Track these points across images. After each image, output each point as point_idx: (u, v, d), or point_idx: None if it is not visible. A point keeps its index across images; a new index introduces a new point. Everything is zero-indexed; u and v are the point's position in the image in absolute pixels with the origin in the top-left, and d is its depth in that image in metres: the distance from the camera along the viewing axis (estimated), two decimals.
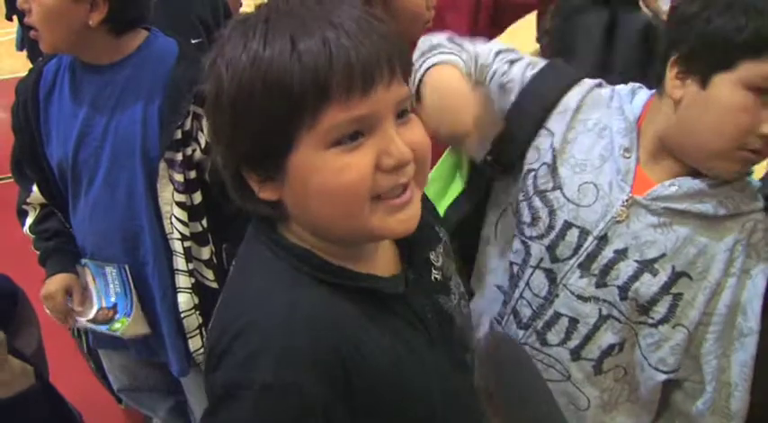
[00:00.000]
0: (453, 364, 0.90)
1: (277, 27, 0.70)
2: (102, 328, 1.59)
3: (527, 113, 1.12)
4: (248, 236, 0.85)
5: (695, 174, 1.03)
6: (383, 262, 0.84)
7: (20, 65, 4.36)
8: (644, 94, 1.10)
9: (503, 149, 1.13)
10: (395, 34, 0.73)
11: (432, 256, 0.90)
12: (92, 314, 1.60)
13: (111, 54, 1.42)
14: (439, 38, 1.14)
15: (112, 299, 1.57)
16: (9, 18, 3.77)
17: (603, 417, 1.16)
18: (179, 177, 1.42)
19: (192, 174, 1.44)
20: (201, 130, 1.41)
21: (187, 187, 1.44)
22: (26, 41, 3.65)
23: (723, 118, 0.95)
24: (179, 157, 1.41)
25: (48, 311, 1.61)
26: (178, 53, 1.46)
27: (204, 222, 1.49)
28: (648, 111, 1.07)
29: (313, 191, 0.72)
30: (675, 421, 1.14)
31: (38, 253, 1.62)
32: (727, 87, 0.94)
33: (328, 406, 0.73)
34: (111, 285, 1.55)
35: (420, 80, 1.07)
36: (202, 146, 1.42)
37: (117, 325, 1.56)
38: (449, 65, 1.07)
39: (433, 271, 0.90)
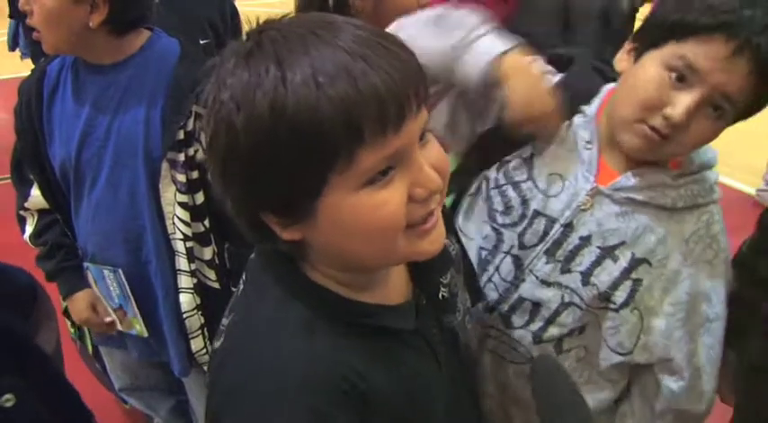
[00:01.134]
0: (458, 382, 0.90)
1: (290, 60, 0.63)
2: (132, 333, 1.62)
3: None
4: (257, 266, 0.83)
5: (653, 162, 1.06)
6: (395, 287, 0.84)
7: (21, 65, 4.36)
8: (604, 90, 1.14)
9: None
10: (410, 54, 0.69)
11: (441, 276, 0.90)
12: (117, 322, 1.62)
13: (114, 54, 1.42)
14: (461, 14, 1.12)
15: (116, 300, 1.58)
16: (13, 17, 3.78)
17: None
18: (181, 178, 1.42)
19: (195, 174, 1.44)
20: (204, 131, 1.41)
21: (189, 187, 1.44)
22: (29, 42, 3.66)
23: (635, 86, 1.00)
24: (181, 157, 1.41)
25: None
26: (180, 53, 1.46)
27: (206, 222, 1.49)
28: (608, 98, 1.12)
29: (347, 230, 0.71)
30: (653, 403, 1.17)
31: (44, 272, 1.63)
32: (649, 62, 0.99)
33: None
34: (111, 288, 1.56)
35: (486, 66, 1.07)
36: (205, 146, 1.42)
37: (137, 326, 1.59)
38: (518, 52, 1.08)
39: (441, 289, 0.89)
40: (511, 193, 1.14)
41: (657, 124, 0.97)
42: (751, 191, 4.00)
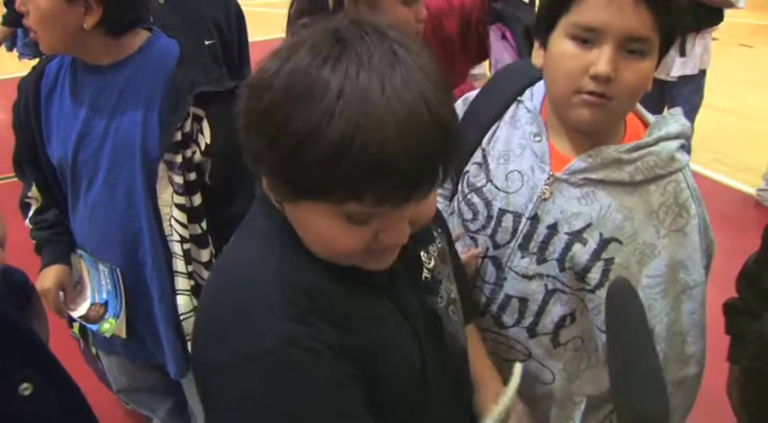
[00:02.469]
0: (438, 365, 0.91)
1: (350, 86, 0.65)
2: (92, 328, 1.60)
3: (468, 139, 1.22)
4: (255, 208, 0.87)
5: (606, 140, 1.09)
6: None
7: (21, 65, 4.36)
8: (542, 83, 1.17)
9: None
10: (455, 126, 0.71)
11: (423, 257, 0.93)
12: (84, 309, 1.61)
13: (111, 55, 1.42)
14: None
15: (104, 296, 1.57)
16: (7, 24, 3.79)
17: (570, 387, 1.22)
18: (178, 179, 1.42)
19: (192, 176, 1.44)
20: (201, 132, 1.41)
21: (187, 189, 1.43)
22: (29, 41, 3.67)
23: (555, 67, 1.04)
24: (179, 158, 1.41)
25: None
26: (179, 54, 1.45)
27: (204, 224, 1.48)
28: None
29: (310, 235, 0.77)
30: None
31: (34, 242, 1.64)
32: (555, 42, 1.03)
33: (330, 354, 0.75)
34: (104, 283, 1.56)
35: None
36: (202, 148, 1.42)
37: (106, 325, 1.58)
38: None
39: (424, 270, 0.92)
40: (475, 199, 1.19)
41: (592, 87, 1.00)
42: (751, 191, 4.00)
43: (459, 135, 0.72)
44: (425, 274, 0.92)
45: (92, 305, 1.59)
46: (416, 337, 0.87)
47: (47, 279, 1.59)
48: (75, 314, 1.62)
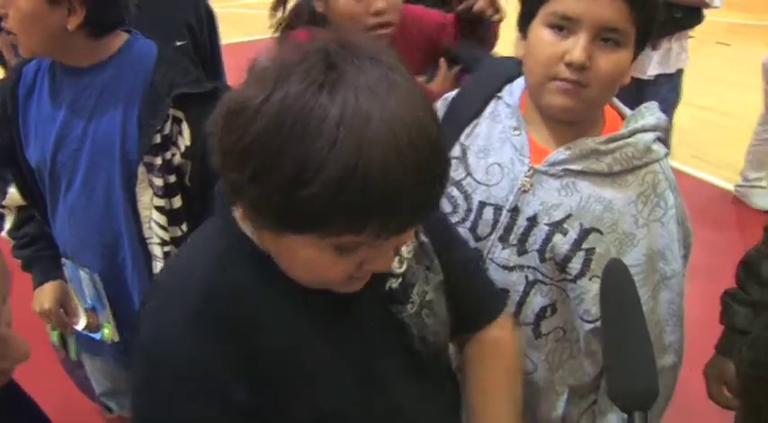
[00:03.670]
0: (403, 374, 0.91)
1: (350, 113, 0.63)
2: (96, 337, 1.60)
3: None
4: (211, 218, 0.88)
5: (584, 133, 1.11)
6: None
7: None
8: (521, 79, 1.19)
9: None
10: (444, 161, 0.71)
11: (394, 261, 0.90)
12: (83, 321, 1.60)
13: (91, 57, 1.41)
14: None
15: (89, 301, 1.57)
16: None
17: (552, 377, 1.24)
18: (158, 181, 1.41)
19: (172, 178, 1.43)
20: (181, 135, 1.41)
21: (166, 192, 1.43)
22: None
23: (533, 54, 1.06)
24: (158, 161, 1.40)
25: (47, 324, 1.66)
26: (157, 56, 1.45)
27: (184, 227, 1.48)
28: None
29: (294, 264, 0.76)
30: None
31: (20, 261, 1.62)
32: (534, 30, 1.06)
33: (212, 373, 0.76)
34: (86, 289, 1.55)
35: None
36: (182, 150, 1.41)
37: (106, 331, 1.58)
38: None
39: (390, 279, 0.89)
40: (455, 192, 1.20)
41: (566, 75, 1.02)
42: (729, 187, 4.05)
43: (450, 161, 0.73)
44: (390, 283, 0.89)
45: (85, 312, 1.59)
46: (372, 356, 0.87)
47: (45, 299, 1.59)
48: (79, 327, 1.62)
